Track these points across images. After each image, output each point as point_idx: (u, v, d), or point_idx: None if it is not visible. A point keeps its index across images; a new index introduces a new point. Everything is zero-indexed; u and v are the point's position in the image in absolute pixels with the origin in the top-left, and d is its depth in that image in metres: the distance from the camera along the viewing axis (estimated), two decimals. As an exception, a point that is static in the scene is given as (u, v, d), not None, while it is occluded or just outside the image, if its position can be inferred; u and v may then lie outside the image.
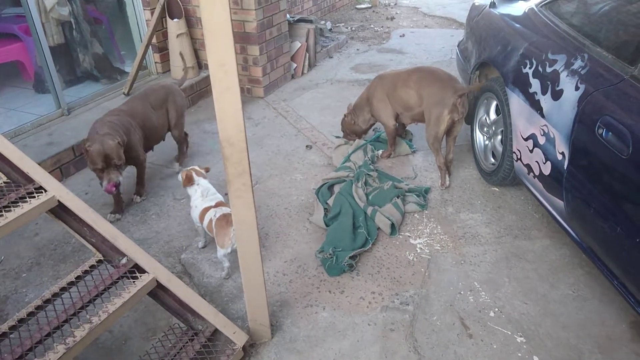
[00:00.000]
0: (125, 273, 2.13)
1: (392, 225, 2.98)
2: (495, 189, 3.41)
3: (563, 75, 2.49)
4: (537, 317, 2.42)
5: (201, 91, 4.92)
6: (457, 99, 3.16)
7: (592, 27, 2.61)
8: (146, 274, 2.15)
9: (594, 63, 2.37)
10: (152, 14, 4.66)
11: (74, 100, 4.31)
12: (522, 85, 2.82)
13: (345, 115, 3.88)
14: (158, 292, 2.19)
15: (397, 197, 3.19)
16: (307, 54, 5.65)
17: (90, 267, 2.20)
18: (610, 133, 2.08)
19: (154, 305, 2.38)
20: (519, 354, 2.24)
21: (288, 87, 5.30)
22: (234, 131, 1.80)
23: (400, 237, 2.99)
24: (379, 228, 3.01)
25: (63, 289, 2.11)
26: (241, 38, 4.81)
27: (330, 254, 2.73)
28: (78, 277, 2.15)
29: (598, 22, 2.63)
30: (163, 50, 4.93)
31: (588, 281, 2.61)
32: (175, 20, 4.72)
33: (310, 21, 5.87)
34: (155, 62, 4.99)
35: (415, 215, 3.18)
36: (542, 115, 2.59)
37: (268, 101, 4.95)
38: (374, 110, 3.71)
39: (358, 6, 8.55)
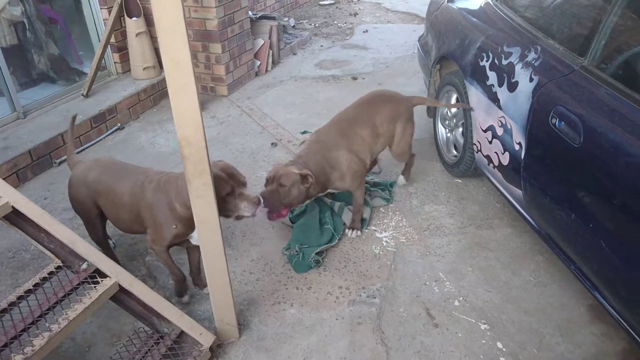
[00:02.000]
0: (86, 278, 2.08)
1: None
2: (458, 180, 3.47)
3: (518, 68, 2.55)
4: (500, 304, 2.48)
5: (163, 91, 4.83)
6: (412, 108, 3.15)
7: (544, 20, 2.68)
8: (108, 278, 2.10)
9: (547, 55, 2.44)
10: (109, 13, 4.55)
11: (30, 103, 4.18)
12: (479, 78, 2.88)
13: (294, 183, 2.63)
14: (121, 296, 2.15)
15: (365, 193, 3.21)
16: (271, 51, 5.62)
17: (49, 274, 2.14)
18: (563, 123, 2.14)
19: (118, 310, 2.32)
20: (483, 341, 2.29)
21: (252, 84, 5.27)
22: (192, 130, 1.78)
23: (366, 231, 3.01)
24: (345, 223, 3.03)
25: (20, 298, 2.04)
26: (202, 36, 4.75)
27: (296, 251, 2.73)
28: (36, 285, 2.09)
29: (550, 15, 2.71)
30: (122, 49, 4.82)
31: (548, 267, 2.69)
32: (134, 19, 4.62)
33: (273, 18, 5.84)
34: (115, 62, 4.87)
35: (381, 209, 3.21)
36: (500, 107, 2.65)
37: (232, 99, 4.91)
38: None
39: (321, 2, 8.55)
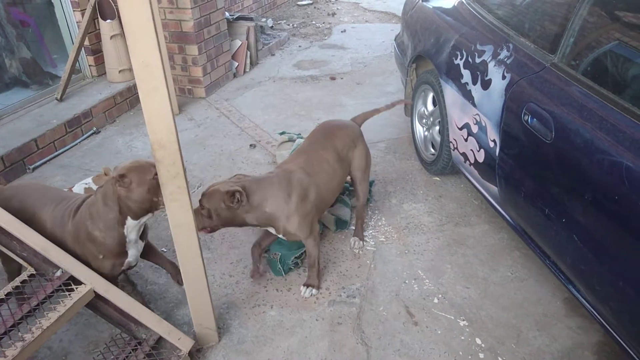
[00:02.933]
0: (60, 286, 2.05)
1: (336, 221, 3.00)
2: (437, 178, 3.50)
3: (491, 65, 2.58)
4: (478, 301, 2.50)
5: (140, 93, 4.77)
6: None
7: (516, 19, 2.71)
8: (83, 285, 2.07)
9: (519, 53, 2.47)
10: (82, 15, 4.48)
11: (2, 107, 4.09)
12: (454, 76, 2.90)
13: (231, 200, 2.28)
14: (97, 303, 2.11)
15: (343, 194, 3.22)
16: (249, 52, 5.59)
17: (22, 283, 2.10)
18: (535, 119, 2.17)
19: (95, 317, 2.29)
20: (462, 337, 2.31)
21: (230, 86, 5.24)
22: (164, 133, 1.76)
23: (346, 231, 3.02)
24: (325, 225, 3.02)
25: (-8, 307, 2.00)
26: (178, 38, 4.70)
27: (275, 255, 2.72)
28: (8, 294, 2.05)
29: (522, 13, 2.74)
30: (97, 52, 4.75)
31: (525, 262, 2.73)
32: (109, 21, 4.55)
33: (251, 19, 5.81)
34: (90, 65, 4.80)
35: (360, 208, 3.21)
36: (474, 105, 2.68)
37: (210, 101, 4.87)
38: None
39: (299, 3, 8.54)
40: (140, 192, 2.03)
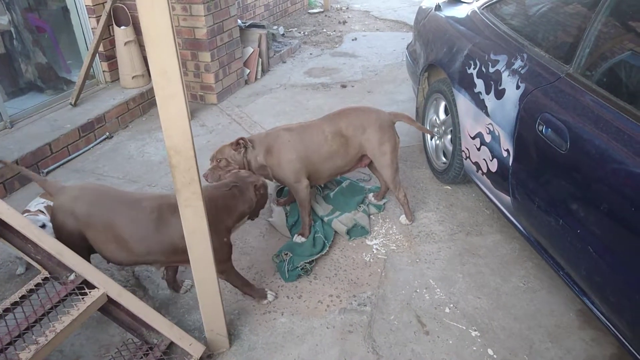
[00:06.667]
0: (74, 289, 2.06)
1: (350, 230, 3.02)
2: (448, 187, 3.49)
3: (505, 75, 2.58)
4: (490, 311, 2.48)
5: (152, 99, 4.81)
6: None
7: (530, 28, 2.72)
8: (96, 289, 2.08)
9: (533, 63, 2.46)
10: (97, 21, 4.53)
11: (17, 112, 4.14)
12: (467, 85, 2.90)
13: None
14: (109, 307, 2.13)
15: (362, 203, 3.24)
16: (260, 59, 5.63)
17: (36, 286, 2.11)
18: (549, 129, 2.16)
19: (107, 321, 2.30)
20: (474, 348, 2.29)
21: (242, 92, 5.27)
22: (180, 139, 1.77)
23: (357, 239, 3.01)
24: (335, 232, 3.03)
25: (7, 310, 2.01)
26: (192, 45, 4.74)
27: (285, 254, 2.74)
28: (23, 297, 2.06)
29: (536, 23, 2.74)
30: (111, 58, 4.81)
31: (537, 273, 2.71)
32: (123, 27, 4.61)
33: (263, 26, 5.86)
34: (104, 71, 4.85)
35: (372, 216, 3.21)
36: (487, 114, 2.67)
37: (222, 107, 4.90)
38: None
39: (310, 11, 8.59)
40: (263, 202, 2.61)
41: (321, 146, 2.88)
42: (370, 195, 3.34)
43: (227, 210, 2.38)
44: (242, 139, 2.84)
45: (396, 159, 3.01)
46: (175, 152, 1.79)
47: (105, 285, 2.10)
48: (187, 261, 2.08)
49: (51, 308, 2.01)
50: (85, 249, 2.31)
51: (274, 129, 3.01)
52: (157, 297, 2.62)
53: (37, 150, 3.72)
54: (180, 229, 2.00)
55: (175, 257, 2.31)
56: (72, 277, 2.10)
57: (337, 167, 2.99)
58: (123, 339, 2.29)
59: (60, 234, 2.29)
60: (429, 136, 3.66)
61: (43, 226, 2.54)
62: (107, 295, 2.08)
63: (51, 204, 2.64)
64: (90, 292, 2.06)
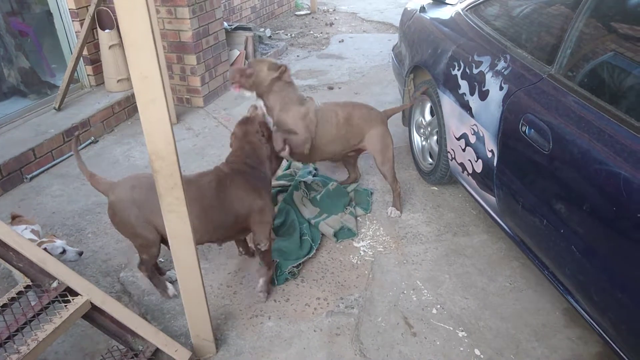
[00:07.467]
0: (57, 297, 2.03)
1: (337, 232, 3.01)
2: (435, 188, 3.50)
3: (488, 76, 2.59)
4: (477, 311, 2.49)
5: (138, 103, 4.78)
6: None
7: (513, 30, 2.73)
8: (79, 296, 2.06)
9: (516, 64, 2.48)
10: (81, 25, 4.49)
11: (0, 117, 4.09)
12: (452, 86, 2.91)
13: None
14: (93, 314, 2.10)
15: (348, 205, 3.23)
16: (247, 62, 5.61)
17: (17, 294, 2.08)
18: (532, 130, 2.17)
19: (91, 328, 2.28)
20: (461, 348, 2.30)
21: (228, 95, 5.25)
22: (162, 144, 1.76)
23: (344, 241, 3.01)
24: (322, 234, 3.02)
25: (-12, 319, 1.98)
26: (177, 47, 4.72)
27: (274, 260, 2.72)
28: (4, 305, 2.03)
29: (519, 24, 2.76)
30: (95, 62, 4.76)
31: (523, 272, 2.72)
32: (107, 31, 4.57)
33: (249, 29, 5.84)
34: (88, 75, 4.81)
35: (359, 218, 3.21)
36: (472, 115, 2.68)
37: (208, 111, 4.88)
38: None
39: (297, 13, 8.59)
40: (269, 134, 2.74)
41: (332, 127, 3.00)
42: (391, 208, 3.26)
43: (256, 166, 2.53)
44: (285, 66, 2.90)
45: (393, 155, 3.15)
46: (157, 157, 1.77)
47: (89, 292, 2.08)
48: (249, 230, 2.47)
49: (33, 316, 1.97)
50: (156, 237, 2.35)
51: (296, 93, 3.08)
52: (142, 303, 2.60)
53: (20, 155, 3.68)
54: (238, 195, 2.37)
55: (237, 226, 2.46)
56: (54, 284, 2.07)
57: (334, 152, 3.12)
58: (108, 346, 2.27)
59: (125, 228, 2.35)
60: (414, 137, 3.67)
61: (64, 252, 2.48)
62: (91, 302, 2.06)
63: (35, 227, 2.65)
64: (73, 299, 2.03)
